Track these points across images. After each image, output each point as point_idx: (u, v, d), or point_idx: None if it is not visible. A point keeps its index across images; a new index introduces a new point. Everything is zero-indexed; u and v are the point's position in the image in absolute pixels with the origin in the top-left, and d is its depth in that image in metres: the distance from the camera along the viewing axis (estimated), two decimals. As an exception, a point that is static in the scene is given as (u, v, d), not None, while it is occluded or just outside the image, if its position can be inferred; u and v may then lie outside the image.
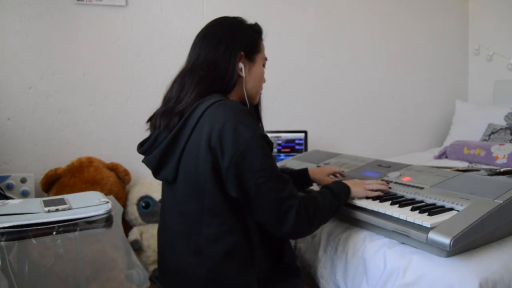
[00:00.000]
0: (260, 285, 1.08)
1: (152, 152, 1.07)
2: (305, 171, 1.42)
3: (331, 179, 1.39)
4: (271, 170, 0.98)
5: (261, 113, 1.24)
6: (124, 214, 1.98)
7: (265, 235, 1.10)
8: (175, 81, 1.10)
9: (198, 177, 1.00)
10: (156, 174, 1.10)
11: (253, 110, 1.21)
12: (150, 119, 1.12)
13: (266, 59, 1.19)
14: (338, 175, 1.46)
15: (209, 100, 1.02)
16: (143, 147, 1.11)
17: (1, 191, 1.65)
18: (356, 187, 1.23)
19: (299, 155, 1.93)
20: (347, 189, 1.20)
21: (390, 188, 1.30)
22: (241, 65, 1.10)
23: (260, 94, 1.21)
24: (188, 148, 1.02)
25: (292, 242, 1.40)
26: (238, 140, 0.95)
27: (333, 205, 1.12)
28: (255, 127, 0.99)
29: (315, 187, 1.44)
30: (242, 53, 1.10)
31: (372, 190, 1.25)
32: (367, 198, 1.23)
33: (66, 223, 1.09)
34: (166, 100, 1.10)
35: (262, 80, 1.18)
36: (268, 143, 1.02)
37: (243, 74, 1.10)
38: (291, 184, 1.03)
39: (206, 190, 1.00)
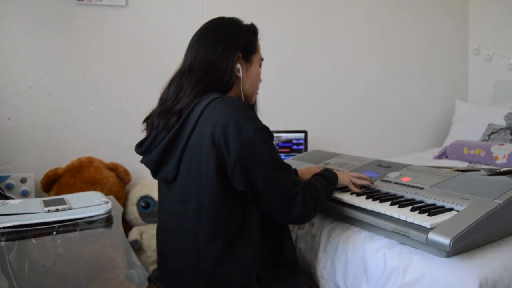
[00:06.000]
0: (260, 282, 1.08)
1: (151, 152, 1.07)
2: (294, 171, 1.43)
3: None
4: (276, 160, 1.02)
5: (256, 113, 1.24)
6: (124, 214, 1.98)
7: (265, 232, 1.10)
8: (171, 82, 1.10)
9: (200, 175, 1.01)
10: (155, 174, 1.10)
11: None
12: (146, 120, 1.12)
13: (262, 59, 1.20)
14: None
15: (207, 98, 1.03)
16: (141, 148, 1.11)
17: (1, 191, 1.65)
18: (342, 175, 1.33)
19: (299, 155, 1.93)
20: (335, 175, 1.29)
21: (372, 183, 1.37)
22: (238, 66, 1.11)
23: (256, 94, 1.22)
24: (189, 146, 1.02)
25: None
26: (242, 134, 0.97)
27: (328, 189, 1.21)
28: (256, 120, 1.02)
29: None
30: (240, 54, 1.11)
31: (356, 185, 1.32)
32: (356, 194, 1.30)
33: (66, 223, 1.09)
34: (163, 100, 1.10)
35: (258, 80, 1.20)
36: (270, 134, 1.05)
37: (240, 75, 1.12)
38: (293, 172, 1.07)
39: (207, 188, 1.00)
